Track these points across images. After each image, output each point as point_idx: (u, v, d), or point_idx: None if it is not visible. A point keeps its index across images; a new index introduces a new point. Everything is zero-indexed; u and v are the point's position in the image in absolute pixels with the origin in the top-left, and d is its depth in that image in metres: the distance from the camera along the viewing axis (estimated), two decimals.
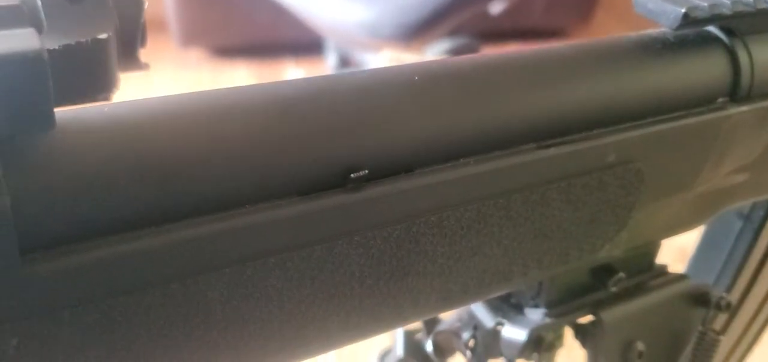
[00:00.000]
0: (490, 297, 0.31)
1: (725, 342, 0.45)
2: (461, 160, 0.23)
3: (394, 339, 0.48)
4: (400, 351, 0.46)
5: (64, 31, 0.21)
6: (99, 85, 0.22)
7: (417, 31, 1.28)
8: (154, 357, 0.20)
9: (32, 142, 0.18)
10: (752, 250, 0.41)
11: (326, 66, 1.56)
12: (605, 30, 1.83)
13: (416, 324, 0.45)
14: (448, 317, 0.40)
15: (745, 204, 0.40)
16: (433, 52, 1.40)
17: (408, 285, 0.24)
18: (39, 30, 0.19)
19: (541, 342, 0.32)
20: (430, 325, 0.43)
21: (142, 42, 0.24)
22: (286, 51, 1.63)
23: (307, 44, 1.52)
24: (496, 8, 1.37)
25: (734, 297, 0.42)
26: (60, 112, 0.19)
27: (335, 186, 0.21)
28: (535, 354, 0.34)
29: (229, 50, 1.63)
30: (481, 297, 0.27)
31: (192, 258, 0.20)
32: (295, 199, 0.21)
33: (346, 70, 0.26)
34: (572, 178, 0.26)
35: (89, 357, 0.19)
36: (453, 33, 1.46)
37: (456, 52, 1.47)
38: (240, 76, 1.58)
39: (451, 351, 0.44)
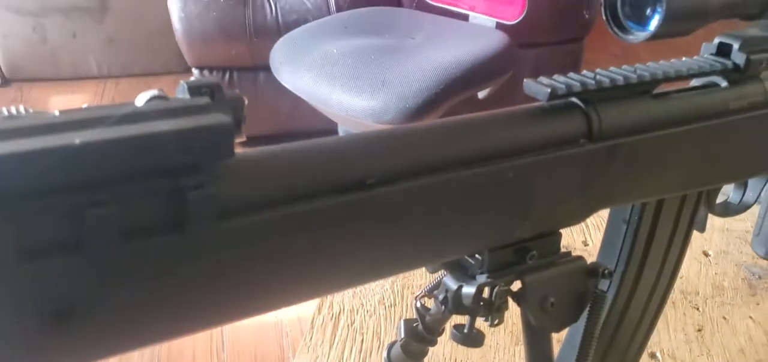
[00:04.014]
0: (447, 260, 0.50)
1: (631, 315, 0.63)
2: (422, 177, 0.43)
3: (397, 330, 0.67)
4: (402, 334, 0.65)
5: None
6: None
7: (416, 115, 1.51)
8: (278, 277, 0.39)
9: (223, 163, 0.37)
10: (635, 245, 0.60)
11: None
12: None
13: (414, 315, 0.64)
14: (432, 302, 0.60)
15: (625, 208, 0.59)
16: None
17: (399, 247, 0.44)
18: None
19: (489, 301, 0.51)
20: (423, 312, 0.63)
21: (244, 122, 0.45)
22: (303, 136, 1.85)
23: (322, 130, 1.75)
24: (482, 93, 1.59)
25: (629, 279, 0.61)
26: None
27: (358, 188, 0.41)
28: (489, 316, 0.53)
29: (255, 139, 1.86)
30: (442, 259, 0.47)
31: (305, 222, 0.39)
32: (339, 195, 0.41)
33: (362, 132, 0.48)
34: (487, 187, 0.46)
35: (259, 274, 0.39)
36: (446, 114, 1.68)
37: None
38: None
39: (437, 330, 0.63)
